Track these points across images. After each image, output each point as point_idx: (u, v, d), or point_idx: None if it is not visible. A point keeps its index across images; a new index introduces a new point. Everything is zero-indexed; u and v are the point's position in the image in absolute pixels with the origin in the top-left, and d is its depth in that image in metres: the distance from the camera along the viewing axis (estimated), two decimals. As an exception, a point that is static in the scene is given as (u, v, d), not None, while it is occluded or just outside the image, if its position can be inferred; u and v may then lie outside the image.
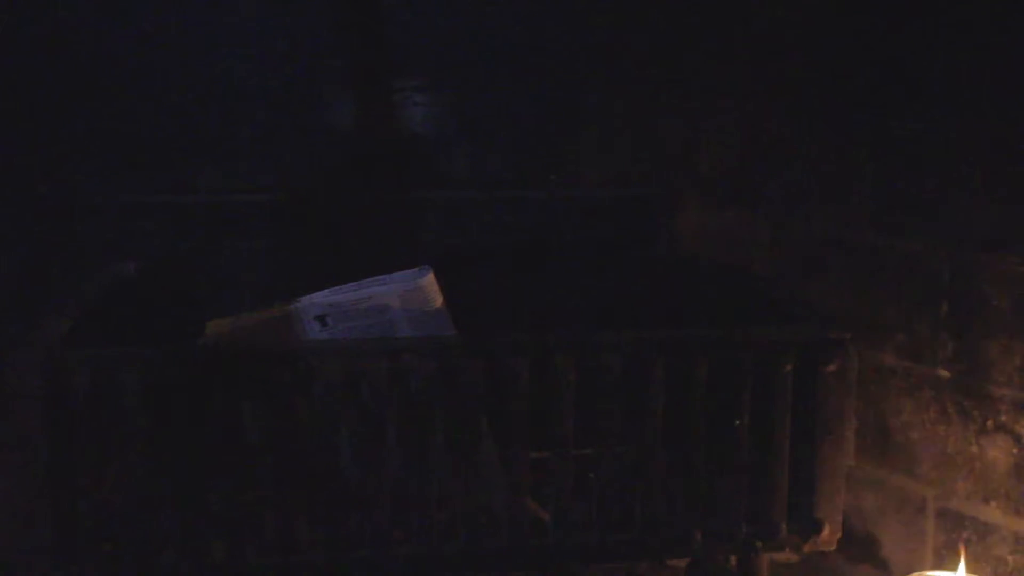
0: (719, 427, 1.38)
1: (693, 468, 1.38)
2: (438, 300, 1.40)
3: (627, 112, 1.83)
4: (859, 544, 1.57)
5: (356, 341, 1.36)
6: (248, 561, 1.31)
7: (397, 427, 1.31)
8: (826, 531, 1.42)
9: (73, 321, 1.40)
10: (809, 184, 1.63)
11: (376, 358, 1.31)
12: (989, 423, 1.41)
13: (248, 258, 1.75)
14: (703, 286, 1.69)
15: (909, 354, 1.50)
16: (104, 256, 1.69)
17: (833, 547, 1.44)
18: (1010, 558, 1.40)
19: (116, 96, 1.69)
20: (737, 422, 1.38)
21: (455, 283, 1.44)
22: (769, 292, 1.62)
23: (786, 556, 1.50)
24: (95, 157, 1.70)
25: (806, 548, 1.43)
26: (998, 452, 1.40)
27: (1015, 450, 1.38)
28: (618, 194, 1.86)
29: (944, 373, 1.46)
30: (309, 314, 1.38)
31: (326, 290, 1.40)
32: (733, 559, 1.45)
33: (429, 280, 1.40)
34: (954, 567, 1.38)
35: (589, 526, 1.37)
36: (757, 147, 1.72)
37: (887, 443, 1.54)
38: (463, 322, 1.41)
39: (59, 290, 1.60)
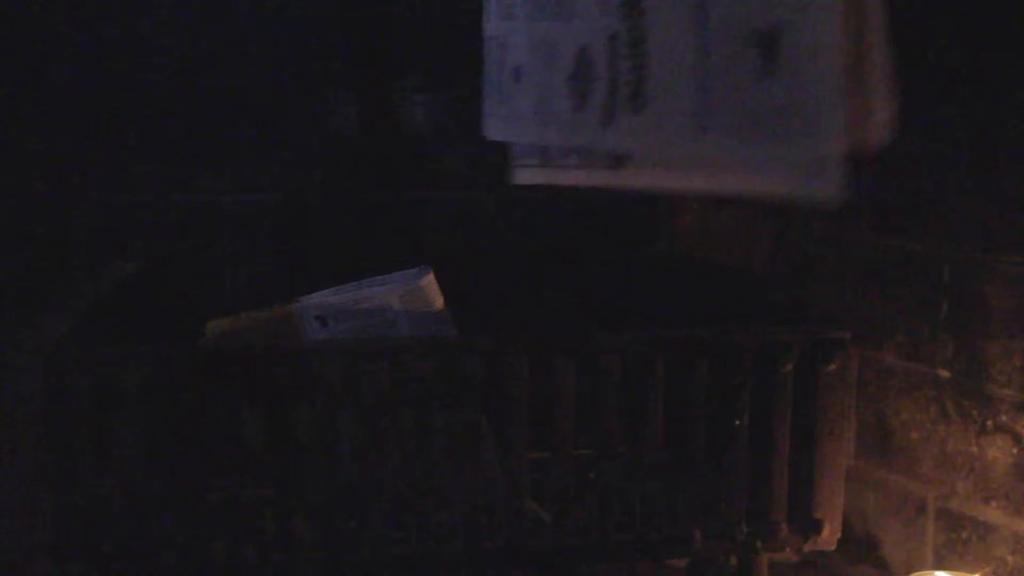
0: (719, 427, 1.38)
1: (693, 468, 1.38)
2: (438, 300, 1.40)
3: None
4: (859, 544, 1.57)
5: (356, 341, 1.36)
6: (248, 561, 1.31)
7: (397, 427, 1.31)
8: (826, 531, 1.42)
9: (73, 321, 1.40)
10: (809, 184, 1.63)
11: (376, 358, 1.30)
12: (989, 423, 1.41)
13: (248, 258, 1.75)
14: (703, 286, 1.69)
15: (909, 354, 1.50)
16: (104, 256, 1.69)
17: (833, 547, 1.44)
18: (1010, 558, 1.40)
19: (115, 96, 1.69)
20: (737, 422, 1.38)
21: (455, 283, 1.44)
22: (769, 292, 1.62)
23: (786, 556, 1.50)
24: (94, 157, 1.70)
25: (806, 548, 1.43)
26: (998, 452, 1.40)
27: (1015, 450, 1.38)
28: (618, 194, 1.86)
29: (944, 373, 1.46)
30: (309, 314, 1.38)
31: (326, 290, 1.40)
32: (733, 559, 1.45)
33: (429, 280, 1.40)
34: (954, 567, 1.38)
35: (589, 526, 1.37)
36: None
37: (887, 443, 1.54)
38: (463, 322, 1.41)
39: (59, 290, 1.60)
